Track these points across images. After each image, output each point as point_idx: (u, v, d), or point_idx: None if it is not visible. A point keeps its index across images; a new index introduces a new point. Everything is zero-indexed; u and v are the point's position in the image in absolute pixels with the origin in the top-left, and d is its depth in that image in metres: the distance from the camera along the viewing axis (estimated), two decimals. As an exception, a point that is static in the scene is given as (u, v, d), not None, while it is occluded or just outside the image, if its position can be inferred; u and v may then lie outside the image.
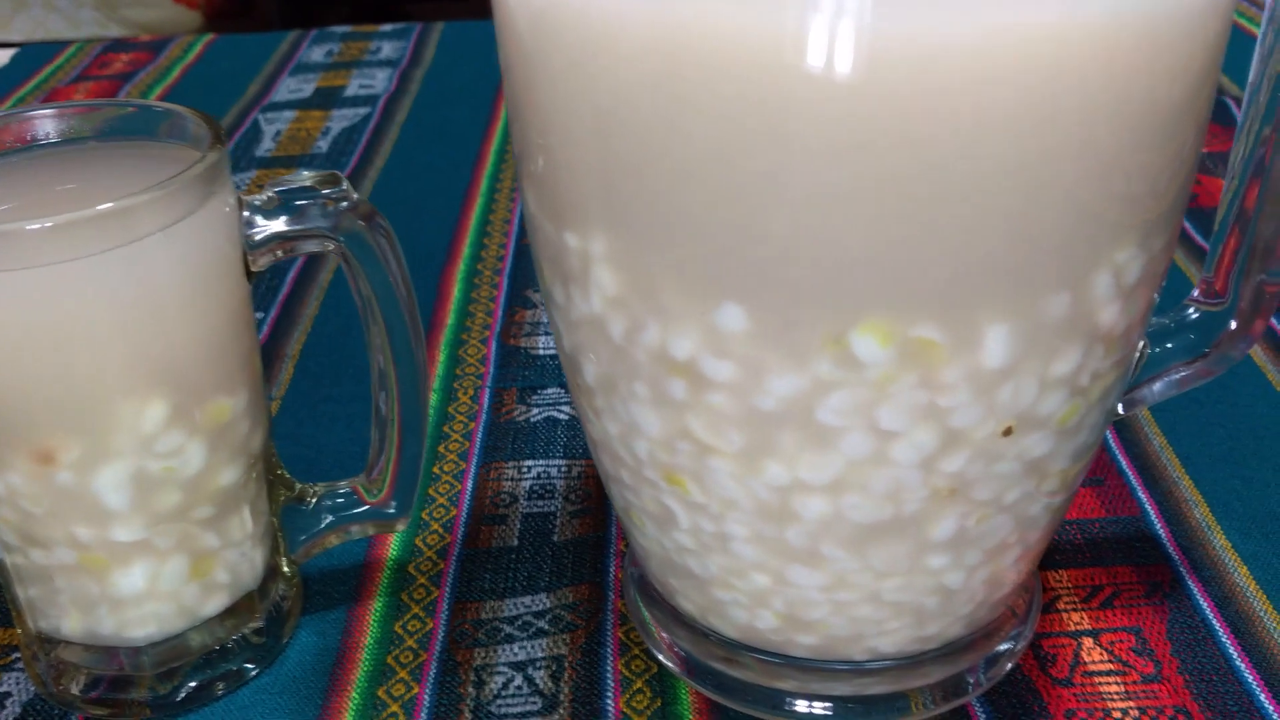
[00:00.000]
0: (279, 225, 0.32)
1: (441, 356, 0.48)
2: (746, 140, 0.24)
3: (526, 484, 0.41)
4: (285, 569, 0.36)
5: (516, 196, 0.60)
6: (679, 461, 0.29)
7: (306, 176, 0.33)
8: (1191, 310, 0.33)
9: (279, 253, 0.33)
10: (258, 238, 0.32)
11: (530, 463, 0.42)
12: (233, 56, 0.80)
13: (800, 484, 0.28)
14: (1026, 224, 0.24)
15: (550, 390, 0.46)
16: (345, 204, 0.32)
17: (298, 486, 0.36)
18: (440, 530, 0.40)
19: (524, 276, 0.54)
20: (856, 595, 0.30)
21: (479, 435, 0.44)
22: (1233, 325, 0.33)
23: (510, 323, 0.50)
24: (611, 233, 0.27)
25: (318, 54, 0.79)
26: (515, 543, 0.39)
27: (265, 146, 0.67)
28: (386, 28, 0.83)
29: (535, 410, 0.45)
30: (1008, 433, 0.27)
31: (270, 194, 0.32)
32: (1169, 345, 0.33)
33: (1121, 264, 0.26)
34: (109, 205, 0.28)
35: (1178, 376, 0.33)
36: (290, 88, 0.74)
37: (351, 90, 0.73)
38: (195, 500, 0.32)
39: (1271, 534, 0.38)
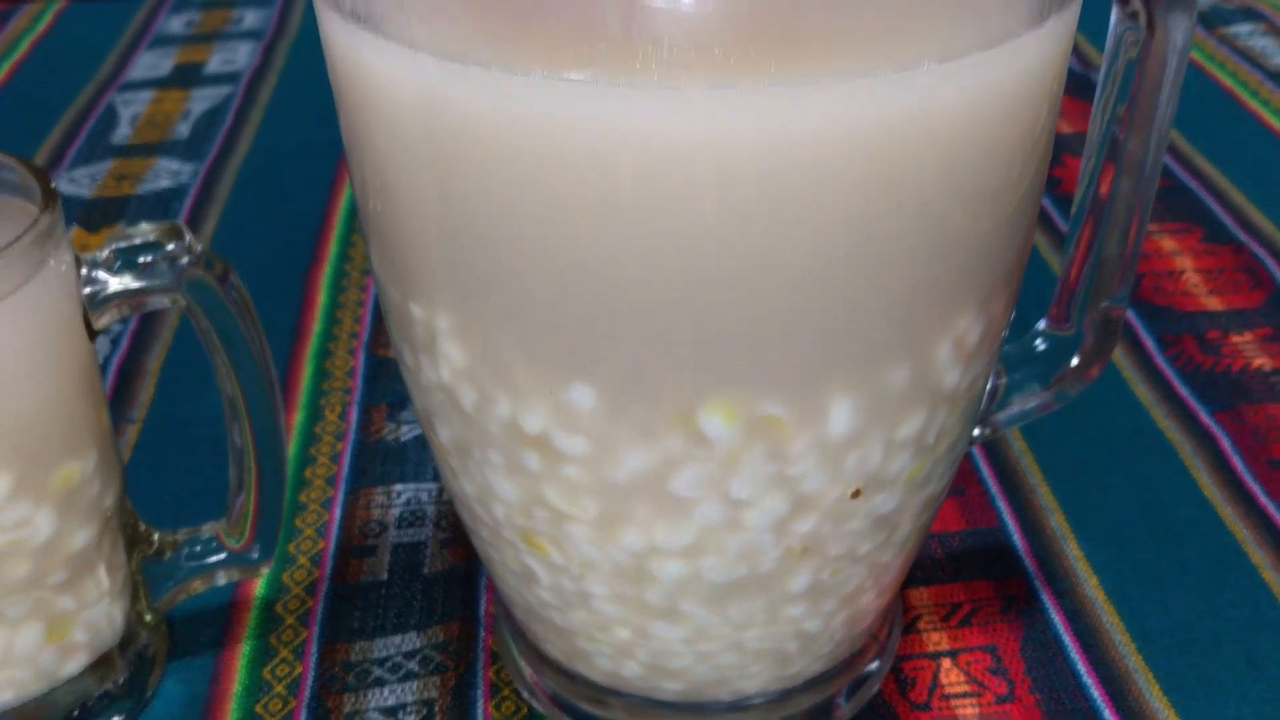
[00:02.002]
0: (120, 284, 0.31)
1: (308, 370, 0.47)
2: (583, 230, 0.24)
3: (396, 510, 0.41)
4: (148, 618, 0.36)
5: (385, 186, 0.59)
6: (536, 526, 0.29)
7: (148, 229, 0.32)
8: (1039, 342, 0.34)
9: (123, 309, 0.32)
10: (98, 297, 0.31)
11: (400, 487, 0.42)
12: (85, 27, 0.77)
13: (656, 549, 0.28)
14: (864, 305, 0.25)
15: (420, 404, 0.46)
16: (188, 259, 0.32)
17: (156, 536, 0.36)
18: (308, 564, 0.39)
19: (393, 277, 0.53)
20: (718, 646, 0.30)
21: (347, 458, 0.43)
22: (1075, 362, 0.33)
23: (379, 331, 0.50)
24: (457, 310, 0.26)
25: (176, 25, 0.77)
26: (385, 576, 0.39)
27: (121, 133, 0.64)
28: (249, -6, 0.80)
29: (405, 428, 0.45)
30: (856, 495, 0.28)
31: (109, 251, 0.31)
32: (1019, 375, 0.34)
33: (962, 331, 0.27)
34: (-66, 286, 0.27)
35: (1029, 407, 0.34)
36: (147, 64, 0.72)
37: (213, 66, 0.71)
38: (48, 567, 0.31)
39: (1122, 541, 0.39)
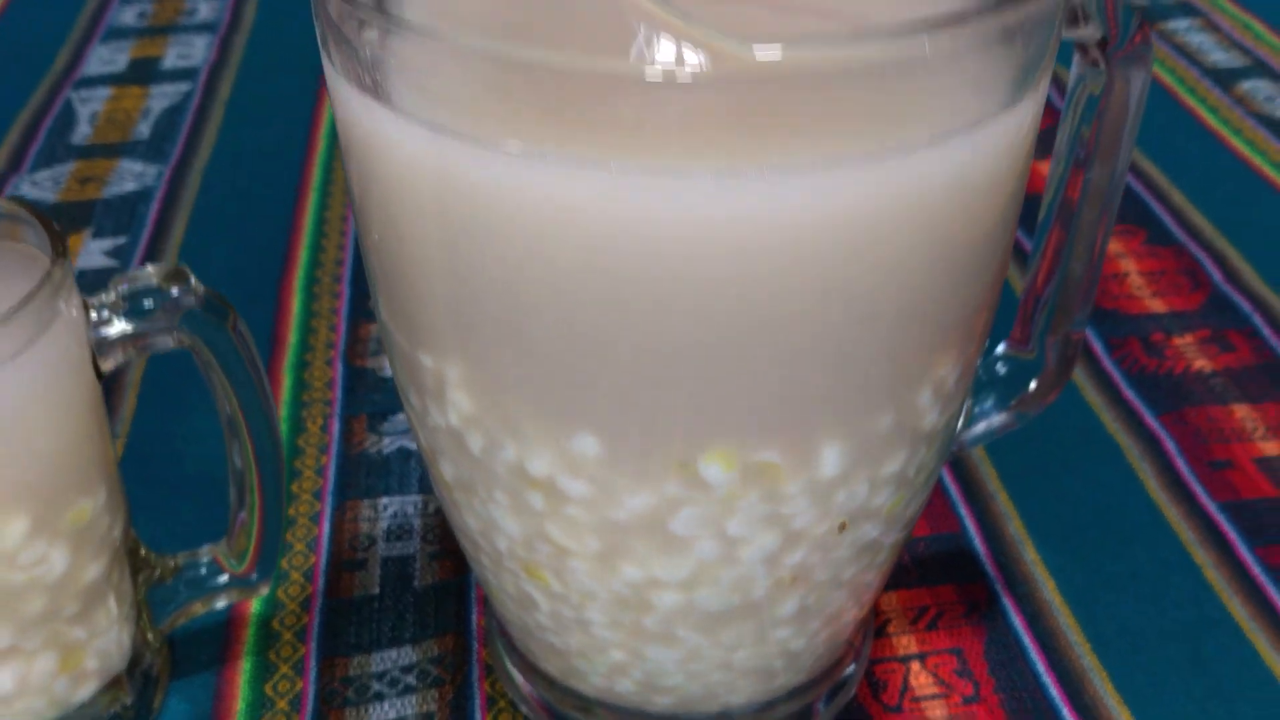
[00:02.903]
0: (128, 328, 0.32)
1: (287, 381, 0.48)
2: (590, 300, 0.25)
3: (384, 524, 0.43)
4: (151, 638, 0.37)
5: (351, 189, 0.60)
6: (538, 559, 0.31)
7: (152, 273, 0.33)
8: (1001, 365, 0.36)
9: (128, 350, 0.33)
10: (107, 341, 0.32)
11: (386, 500, 0.43)
12: (36, 18, 0.76)
13: (655, 581, 0.30)
14: (853, 363, 0.26)
15: (400, 417, 0.47)
16: (193, 300, 0.33)
17: (156, 561, 0.37)
18: (301, 580, 0.41)
19: (364, 284, 0.54)
20: (709, 665, 0.32)
21: (332, 471, 0.45)
22: (1033, 386, 0.36)
23: (355, 339, 0.51)
24: (466, 363, 0.28)
25: (129, 16, 0.76)
26: (377, 590, 0.40)
27: (82, 132, 0.64)
28: (201, -17, 0.80)
29: (387, 440, 0.46)
30: (843, 527, 0.30)
31: (116, 295, 0.32)
32: (982, 397, 0.36)
33: (942, 376, 0.29)
34: (-44, 349, 0.28)
35: (993, 427, 0.36)
36: (102, 58, 0.72)
37: (170, 61, 0.71)
38: (62, 601, 0.33)
39: (1075, 546, 0.42)
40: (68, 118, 0.66)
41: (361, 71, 0.26)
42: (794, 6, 0.33)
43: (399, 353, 0.30)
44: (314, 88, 0.68)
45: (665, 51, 0.24)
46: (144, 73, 0.70)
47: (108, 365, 0.32)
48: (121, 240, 0.56)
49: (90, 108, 0.67)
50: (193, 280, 0.33)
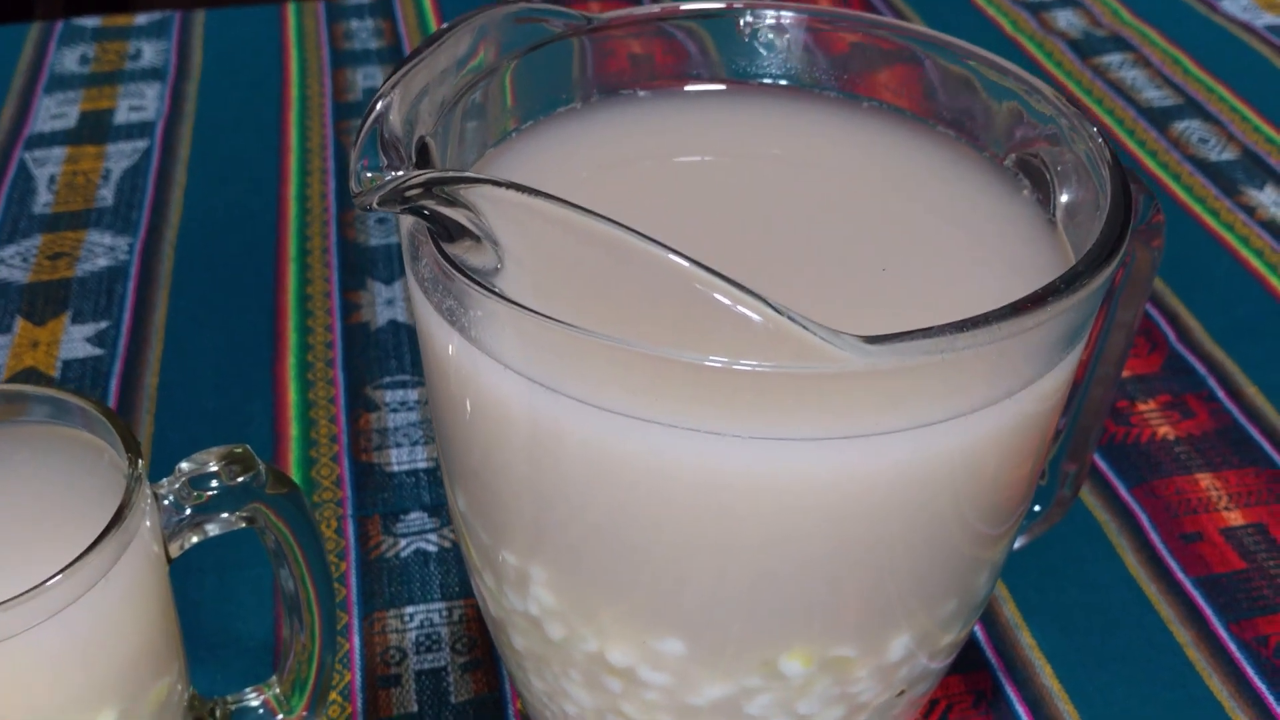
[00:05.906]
0: (197, 515, 0.33)
1: (294, 479, 0.49)
2: (671, 534, 0.27)
3: (412, 634, 0.44)
4: (208, 781, 0.38)
5: (330, 258, 0.60)
6: (610, 725, 0.33)
7: (217, 459, 0.33)
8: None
9: (195, 534, 0.33)
10: (177, 530, 0.33)
11: (411, 609, 0.45)
12: (-28, 63, 0.74)
13: (724, 749, 0.32)
14: (919, 577, 0.29)
15: (413, 515, 0.48)
16: (258, 482, 0.33)
17: (205, 708, 0.38)
18: (340, 700, 0.42)
19: (358, 368, 0.54)
20: (764, 806, 0.35)
21: (353, 580, 0.46)
22: (1048, 509, 0.38)
23: (356, 432, 0.51)
24: (552, 569, 0.29)
25: (71, 60, 0.75)
26: (415, 708, 0.42)
27: (43, 200, 0.64)
28: (141, 20, 0.78)
29: (403, 542, 0.47)
30: (901, 694, 0.32)
31: (183, 482, 0.33)
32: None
33: (998, 560, 0.31)
34: (58, 578, 0.28)
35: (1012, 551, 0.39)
36: (51, 111, 0.70)
37: (122, 115, 0.70)
38: (141, 777, 0.34)
39: (1068, 627, 0.45)
40: (25, 183, 0.65)
41: (456, 314, 0.27)
42: (801, 161, 0.35)
43: (478, 545, 0.32)
44: (275, 143, 0.68)
45: (753, 331, 0.25)
46: (97, 129, 0.69)
47: (176, 551, 0.33)
48: (103, 325, 0.56)
49: (47, 170, 0.66)
50: (259, 465, 0.34)
